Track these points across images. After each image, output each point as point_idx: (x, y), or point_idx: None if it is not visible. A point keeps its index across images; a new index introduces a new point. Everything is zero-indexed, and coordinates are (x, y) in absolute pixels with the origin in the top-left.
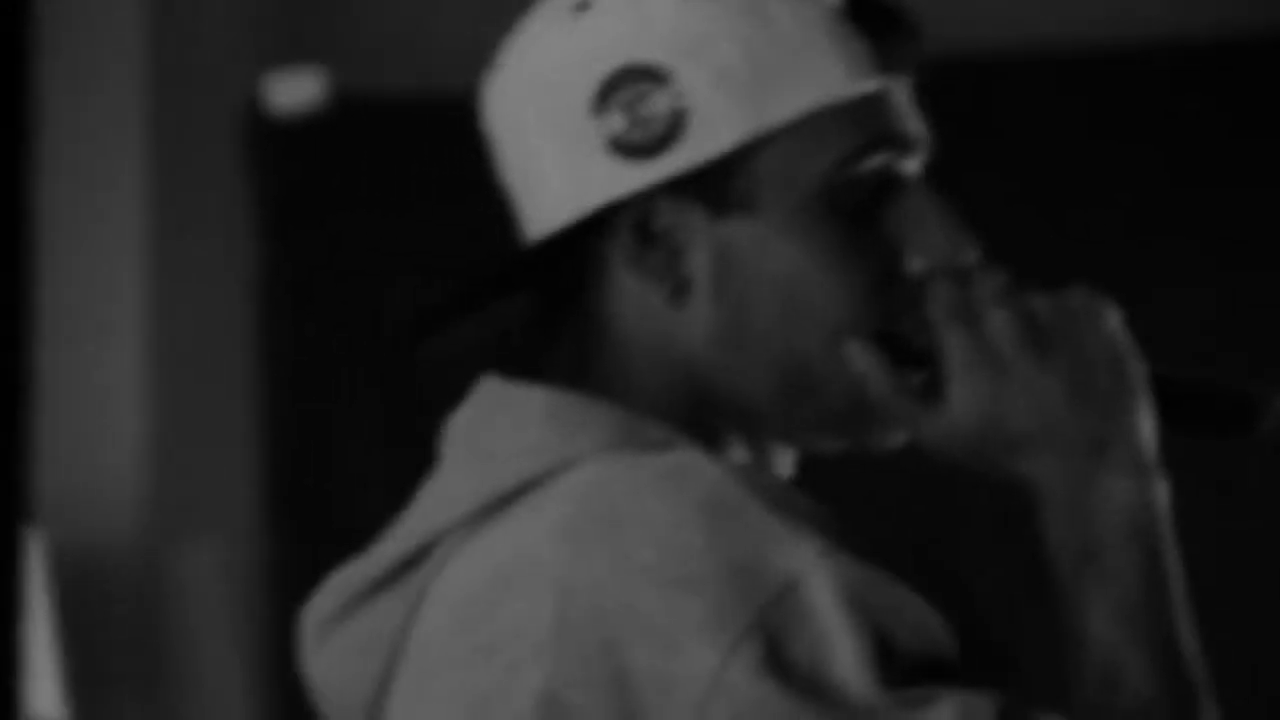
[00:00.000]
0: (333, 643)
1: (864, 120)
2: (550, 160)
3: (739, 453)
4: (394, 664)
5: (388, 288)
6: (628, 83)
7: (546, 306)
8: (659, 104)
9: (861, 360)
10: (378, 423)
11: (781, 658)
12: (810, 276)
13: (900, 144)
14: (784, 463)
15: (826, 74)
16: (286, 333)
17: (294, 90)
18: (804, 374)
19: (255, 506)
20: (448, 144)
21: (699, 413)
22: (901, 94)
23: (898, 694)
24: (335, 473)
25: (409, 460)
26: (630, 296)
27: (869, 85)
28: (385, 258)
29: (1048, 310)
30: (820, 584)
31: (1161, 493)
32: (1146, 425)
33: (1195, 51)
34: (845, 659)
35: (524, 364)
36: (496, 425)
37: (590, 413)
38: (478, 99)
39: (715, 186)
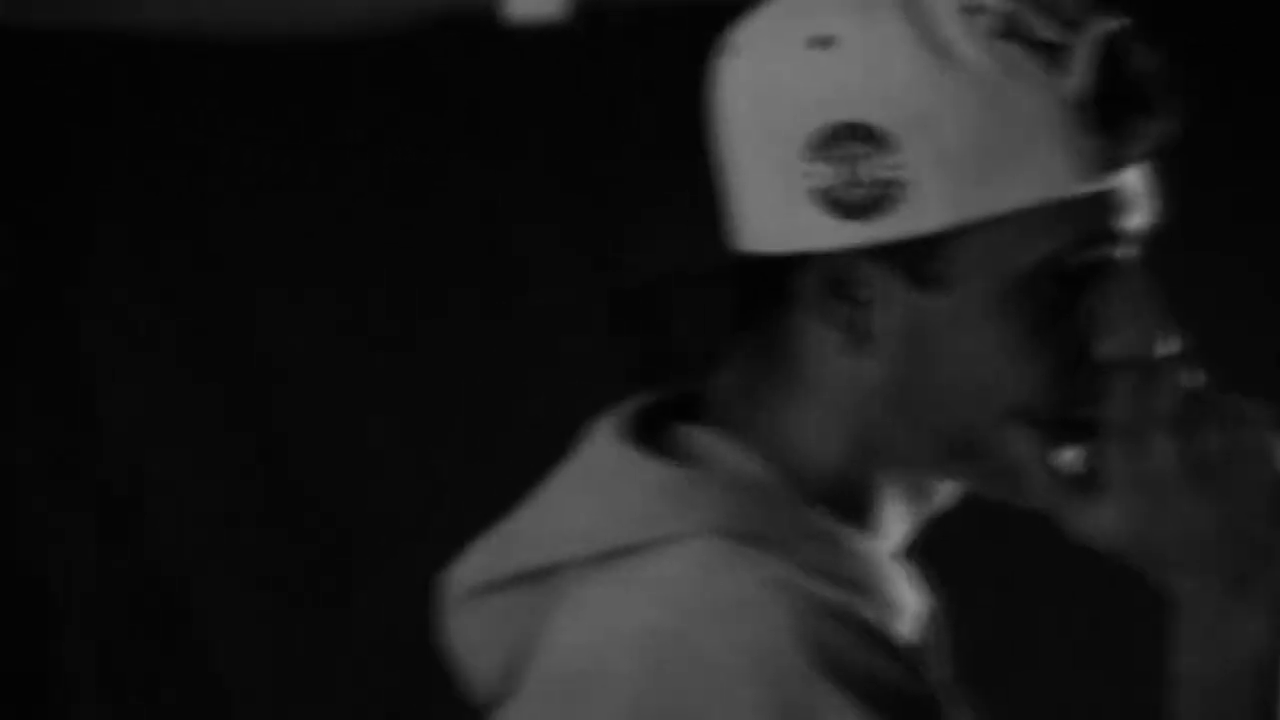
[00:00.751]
0: (468, 615)
1: (1083, 217)
2: (756, 181)
3: (888, 496)
4: (514, 667)
5: (30, 230)
6: (849, 139)
7: (740, 308)
8: (877, 170)
9: (1022, 447)
10: (30, 383)
11: None
12: (996, 361)
13: (1118, 239)
14: (942, 495)
15: (1050, 171)
16: None
17: None
18: (965, 445)
19: None
20: (92, 78)
21: (853, 456)
22: (1136, 182)
23: None
24: None
25: (69, 425)
26: (808, 333)
27: (1093, 185)
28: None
29: (1217, 444)
30: None
31: None
32: None
33: None
34: None
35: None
36: (613, 483)
37: (701, 492)
38: (126, 35)
39: (916, 259)
